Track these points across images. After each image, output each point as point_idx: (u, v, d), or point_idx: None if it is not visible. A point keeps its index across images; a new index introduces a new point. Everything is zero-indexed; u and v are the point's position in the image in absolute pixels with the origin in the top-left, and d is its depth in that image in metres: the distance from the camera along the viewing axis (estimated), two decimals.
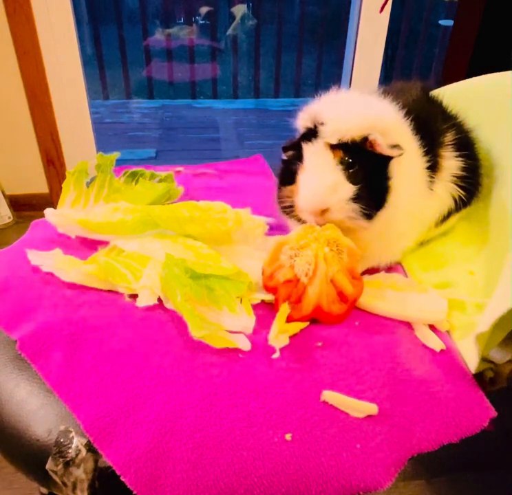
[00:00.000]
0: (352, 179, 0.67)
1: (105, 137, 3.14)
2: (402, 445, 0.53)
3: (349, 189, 0.67)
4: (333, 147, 0.68)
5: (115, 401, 0.56)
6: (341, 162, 0.68)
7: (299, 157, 0.71)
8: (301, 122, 0.72)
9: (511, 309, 0.53)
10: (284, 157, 0.76)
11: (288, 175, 0.74)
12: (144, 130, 3.39)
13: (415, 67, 3.89)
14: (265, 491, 0.49)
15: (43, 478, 0.53)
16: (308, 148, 0.69)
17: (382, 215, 0.69)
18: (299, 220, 0.74)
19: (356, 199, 0.67)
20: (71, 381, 0.58)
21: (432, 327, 0.68)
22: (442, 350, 0.64)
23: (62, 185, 0.88)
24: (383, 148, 0.66)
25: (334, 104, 0.71)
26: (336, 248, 0.69)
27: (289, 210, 0.74)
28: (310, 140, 0.69)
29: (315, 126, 0.69)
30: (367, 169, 0.68)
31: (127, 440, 0.52)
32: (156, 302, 0.70)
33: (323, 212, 0.68)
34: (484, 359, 0.60)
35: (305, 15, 3.85)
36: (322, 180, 0.67)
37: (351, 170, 0.68)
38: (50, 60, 1.92)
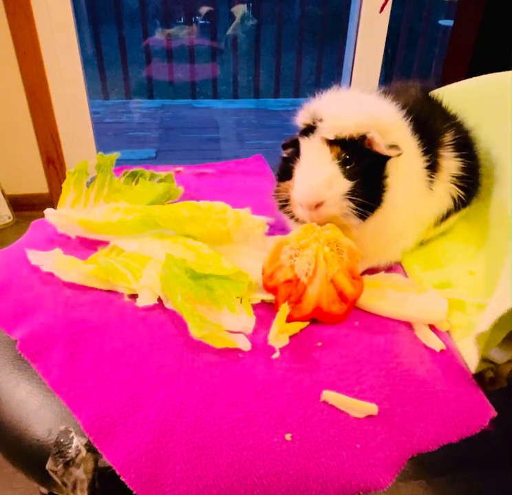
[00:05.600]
0: (348, 175, 0.67)
1: (105, 137, 3.14)
2: (402, 445, 0.53)
3: (345, 184, 0.67)
4: (330, 143, 0.68)
5: (115, 401, 0.56)
6: (338, 158, 0.68)
7: (297, 153, 0.71)
8: (300, 119, 0.72)
9: (511, 309, 0.53)
10: (283, 154, 0.77)
11: (286, 171, 0.74)
12: (144, 130, 3.39)
13: (415, 67, 3.90)
14: (265, 491, 0.49)
15: (43, 478, 0.53)
16: (305, 143, 0.70)
17: (380, 214, 0.69)
18: (294, 216, 0.74)
19: (352, 195, 0.67)
20: (71, 381, 0.58)
21: (432, 327, 0.68)
22: (442, 350, 0.64)
23: (62, 185, 0.88)
24: (381, 147, 0.66)
25: (333, 102, 0.71)
26: (337, 248, 0.69)
27: (285, 204, 0.75)
28: (307, 136, 0.69)
29: (314, 123, 0.69)
30: (364, 167, 0.68)
31: (127, 440, 0.52)
32: (156, 302, 0.70)
33: (317, 206, 0.68)
34: (484, 359, 0.60)
35: (305, 15, 3.85)
36: (318, 174, 0.67)
37: (347, 167, 0.68)
38: (50, 60, 1.92)
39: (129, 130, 3.37)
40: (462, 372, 0.61)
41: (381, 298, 0.71)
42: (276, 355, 0.62)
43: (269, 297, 0.71)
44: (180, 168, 1.16)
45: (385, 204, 0.69)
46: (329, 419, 0.54)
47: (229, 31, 3.89)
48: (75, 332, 0.64)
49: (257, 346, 0.63)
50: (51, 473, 0.51)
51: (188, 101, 3.86)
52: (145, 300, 0.70)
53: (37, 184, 2.16)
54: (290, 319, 0.66)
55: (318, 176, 0.67)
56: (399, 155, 0.67)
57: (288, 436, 0.52)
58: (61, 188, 0.88)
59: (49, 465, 0.51)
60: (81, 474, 0.50)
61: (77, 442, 0.52)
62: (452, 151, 0.78)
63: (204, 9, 3.78)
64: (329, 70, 3.88)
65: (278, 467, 0.50)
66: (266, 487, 0.49)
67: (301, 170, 0.70)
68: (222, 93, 3.96)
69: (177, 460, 0.50)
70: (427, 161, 0.74)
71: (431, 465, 1.20)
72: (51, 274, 0.74)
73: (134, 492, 0.48)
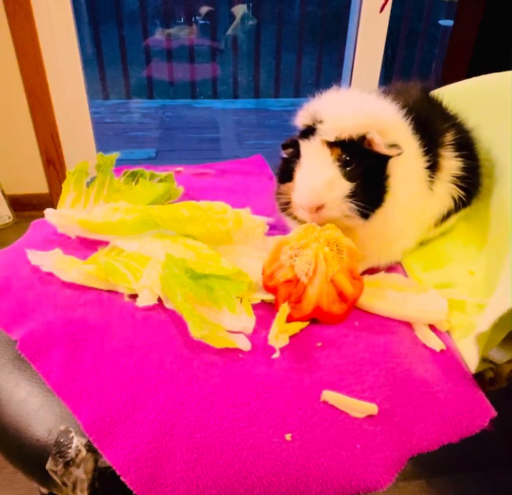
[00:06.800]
0: (348, 176, 0.67)
1: (105, 137, 3.14)
2: (402, 445, 0.53)
3: (346, 186, 0.67)
4: (331, 145, 0.68)
5: (115, 401, 0.56)
6: (338, 160, 0.68)
7: (297, 154, 0.71)
8: (300, 119, 0.72)
9: (511, 309, 0.53)
10: (283, 154, 0.77)
11: (286, 173, 0.74)
12: (144, 130, 3.39)
13: (415, 67, 3.89)
14: (265, 491, 0.49)
15: (43, 478, 0.53)
16: (306, 146, 0.70)
17: (380, 214, 0.69)
18: (295, 218, 0.74)
19: (353, 196, 0.67)
20: (71, 381, 0.58)
21: (432, 327, 0.68)
22: (442, 350, 0.64)
23: (62, 185, 0.88)
24: (381, 147, 0.66)
25: (333, 103, 0.71)
26: (336, 248, 0.69)
27: (286, 206, 0.75)
28: (307, 138, 0.69)
29: (314, 124, 0.69)
30: (364, 167, 0.68)
31: (127, 440, 0.52)
32: (156, 302, 0.70)
33: (319, 208, 0.68)
34: (484, 359, 0.60)
35: (305, 15, 3.85)
36: (318, 176, 0.67)
37: (348, 168, 0.68)
38: (50, 60, 1.92)
39: (129, 130, 3.37)
40: (462, 372, 0.61)
41: (381, 298, 0.71)
42: (276, 355, 0.62)
43: (269, 297, 0.71)
44: (180, 168, 1.16)
45: (385, 204, 0.69)
46: (329, 419, 0.54)
47: (229, 31, 3.89)
48: (75, 332, 0.64)
49: (257, 346, 0.63)
50: (51, 473, 0.51)
51: (188, 101, 3.86)
52: (145, 300, 0.70)
53: (37, 184, 2.16)
54: (290, 319, 0.66)
55: (319, 179, 0.67)
56: (399, 154, 0.67)
57: (288, 436, 0.52)
58: (61, 188, 0.88)
59: (49, 465, 0.51)
60: (81, 474, 0.50)
61: (77, 442, 0.52)
62: (452, 151, 0.78)
63: (204, 9, 3.78)
64: (329, 70, 3.88)
65: (278, 467, 0.50)
66: (266, 487, 0.49)
67: (301, 173, 0.70)
68: (222, 93, 3.96)
69: (177, 460, 0.50)
70: (428, 161, 0.74)
71: (431, 465, 1.20)
72: (51, 274, 0.74)
73: (134, 492, 0.48)
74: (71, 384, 0.58)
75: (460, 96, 0.90)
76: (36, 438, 0.54)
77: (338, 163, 0.68)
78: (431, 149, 0.75)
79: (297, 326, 0.66)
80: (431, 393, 0.58)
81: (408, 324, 0.68)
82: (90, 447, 0.52)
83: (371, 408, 0.55)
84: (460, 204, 0.81)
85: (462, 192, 0.79)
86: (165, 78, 3.87)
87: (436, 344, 0.64)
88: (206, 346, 0.62)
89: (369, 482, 0.50)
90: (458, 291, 0.73)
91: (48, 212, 0.85)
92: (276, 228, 0.85)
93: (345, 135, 0.66)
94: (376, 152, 0.67)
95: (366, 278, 0.74)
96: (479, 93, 0.92)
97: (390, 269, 0.79)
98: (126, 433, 0.52)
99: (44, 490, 0.66)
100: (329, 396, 0.56)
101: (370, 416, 0.55)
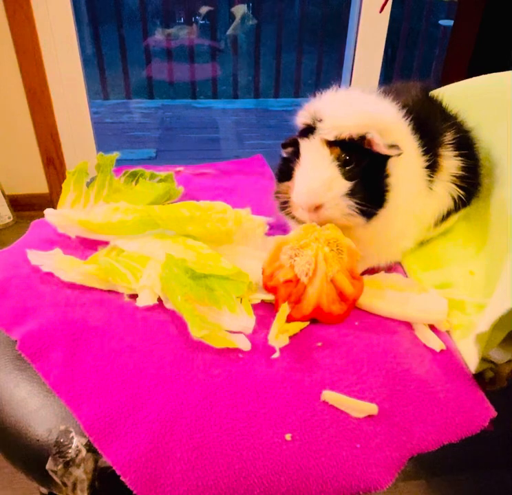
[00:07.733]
0: (347, 176, 0.67)
1: (105, 137, 3.14)
2: (402, 445, 0.53)
3: (345, 186, 0.67)
4: (330, 144, 0.68)
5: (115, 401, 0.56)
6: (338, 159, 0.68)
7: (297, 153, 0.71)
8: (300, 118, 0.72)
9: (511, 309, 0.53)
10: (283, 154, 0.77)
11: (285, 172, 0.74)
12: (144, 130, 3.39)
13: (415, 67, 3.89)
14: (265, 491, 0.49)
15: (43, 478, 0.53)
16: (305, 144, 0.69)
17: (380, 214, 0.69)
18: (294, 217, 0.74)
19: (352, 196, 0.67)
20: (71, 381, 0.58)
21: (432, 327, 0.68)
22: (442, 350, 0.64)
23: (62, 185, 0.88)
24: (381, 147, 0.66)
25: (333, 102, 0.71)
26: (336, 248, 0.69)
27: (285, 206, 0.75)
28: (307, 137, 0.69)
29: (314, 123, 0.69)
30: (364, 167, 0.68)
31: (127, 440, 0.52)
32: (156, 302, 0.70)
33: (317, 208, 0.68)
34: (484, 359, 0.60)
35: (305, 15, 3.85)
36: (317, 176, 0.67)
37: (347, 168, 0.68)
38: (50, 60, 1.92)
39: (129, 130, 3.37)
40: (462, 372, 0.61)
41: (381, 298, 0.71)
42: (276, 355, 0.62)
43: (269, 297, 0.71)
44: (180, 168, 1.16)
45: (384, 204, 0.69)
46: (329, 419, 0.54)
47: (229, 31, 3.89)
48: (75, 332, 0.64)
49: (257, 346, 0.63)
50: (51, 473, 0.51)
51: (188, 101, 3.86)
52: (145, 300, 0.70)
53: (37, 184, 2.16)
54: (290, 319, 0.66)
55: (317, 178, 0.67)
56: (399, 154, 0.67)
57: (287, 436, 0.52)
58: (61, 188, 0.88)
59: (49, 465, 0.51)
60: (81, 474, 0.50)
61: (77, 442, 0.52)
62: (452, 151, 0.78)
63: (204, 9, 3.78)
64: (329, 70, 3.88)
65: (278, 467, 0.50)
66: (266, 486, 0.49)
67: (300, 172, 0.70)
68: (222, 93, 3.96)
69: (177, 460, 0.50)
70: (427, 160, 0.74)
71: (431, 465, 1.20)
72: (51, 274, 0.74)
73: (134, 492, 0.48)
74: (71, 384, 0.58)
75: (460, 96, 0.90)
76: (36, 438, 0.54)
77: (338, 163, 0.67)
78: (431, 149, 0.75)
79: (297, 326, 0.66)
80: (431, 393, 0.58)
81: (408, 324, 0.68)
82: (90, 447, 0.52)
83: (371, 408, 0.55)
84: (460, 204, 0.81)
85: (462, 192, 0.79)
86: (165, 78, 3.87)
87: (436, 344, 0.64)
88: (206, 346, 0.62)
89: (369, 482, 0.50)
90: (458, 291, 0.73)
91: (48, 212, 0.85)
92: (276, 228, 0.85)
93: (344, 135, 0.66)
94: (375, 152, 0.67)
95: (366, 278, 0.74)
96: (479, 93, 0.92)
97: (390, 269, 0.79)
98: (126, 433, 0.52)
99: (44, 490, 0.66)
100: (329, 396, 0.56)
101: (370, 416, 0.55)
